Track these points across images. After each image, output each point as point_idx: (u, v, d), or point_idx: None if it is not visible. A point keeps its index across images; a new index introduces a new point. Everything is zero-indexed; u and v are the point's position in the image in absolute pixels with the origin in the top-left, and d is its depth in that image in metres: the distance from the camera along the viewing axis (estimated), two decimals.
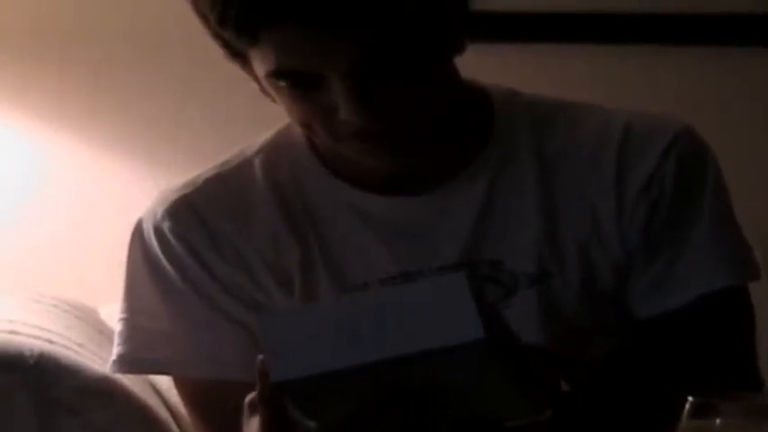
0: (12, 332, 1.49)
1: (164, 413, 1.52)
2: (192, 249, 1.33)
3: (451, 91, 1.29)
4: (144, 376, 1.52)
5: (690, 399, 1.02)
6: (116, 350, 1.36)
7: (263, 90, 1.28)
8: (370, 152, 1.26)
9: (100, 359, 1.48)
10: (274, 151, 1.37)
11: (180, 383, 1.39)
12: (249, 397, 1.14)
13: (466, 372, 1.05)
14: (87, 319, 1.68)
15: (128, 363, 1.36)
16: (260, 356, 1.09)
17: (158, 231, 1.34)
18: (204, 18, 1.22)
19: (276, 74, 1.22)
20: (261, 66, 1.23)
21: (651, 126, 1.34)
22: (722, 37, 2.18)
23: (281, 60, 1.20)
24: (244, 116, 2.06)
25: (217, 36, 1.24)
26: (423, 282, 1.24)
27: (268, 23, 1.18)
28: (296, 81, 1.22)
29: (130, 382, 1.49)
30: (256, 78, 1.27)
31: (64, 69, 2.18)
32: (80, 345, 1.54)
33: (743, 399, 1.01)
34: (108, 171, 2.20)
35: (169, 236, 1.34)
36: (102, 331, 1.64)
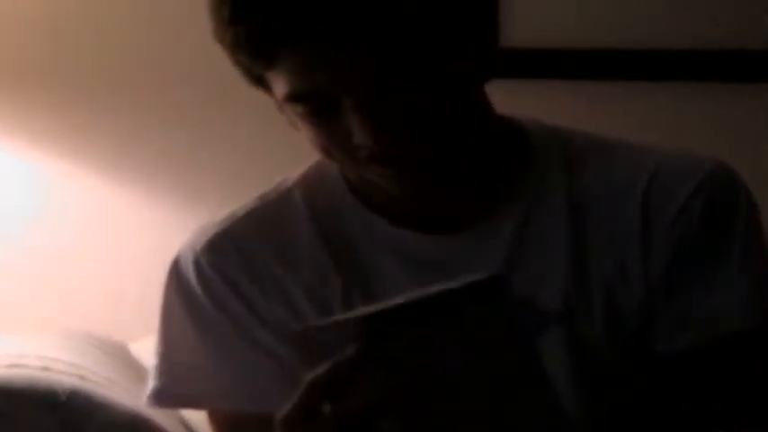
0: (44, 369, 1.50)
1: None
2: (232, 283, 1.34)
3: (477, 123, 1.28)
4: (175, 411, 1.52)
5: None
6: (152, 384, 1.36)
7: (288, 119, 1.28)
8: (393, 179, 1.26)
9: (130, 395, 1.48)
10: (311, 183, 1.37)
11: (213, 415, 1.39)
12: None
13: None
14: (118, 354, 1.69)
15: (164, 397, 1.36)
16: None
17: (197, 265, 1.34)
18: (222, 43, 1.23)
19: (292, 97, 1.22)
20: (279, 90, 1.23)
21: (681, 166, 1.33)
22: (742, 73, 2.19)
23: (295, 83, 1.20)
24: (245, 141, 2.08)
25: (237, 62, 1.24)
26: None
27: (280, 44, 1.18)
28: (312, 105, 1.22)
29: (161, 417, 1.50)
30: (281, 108, 1.27)
31: (69, 98, 2.20)
32: (111, 381, 1.54)
33: None
34: (118, 202, 2.21)
35: (208, 270, 1.34)
36: (132, 366, 1.65)
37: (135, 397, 1.42)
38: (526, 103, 2.12)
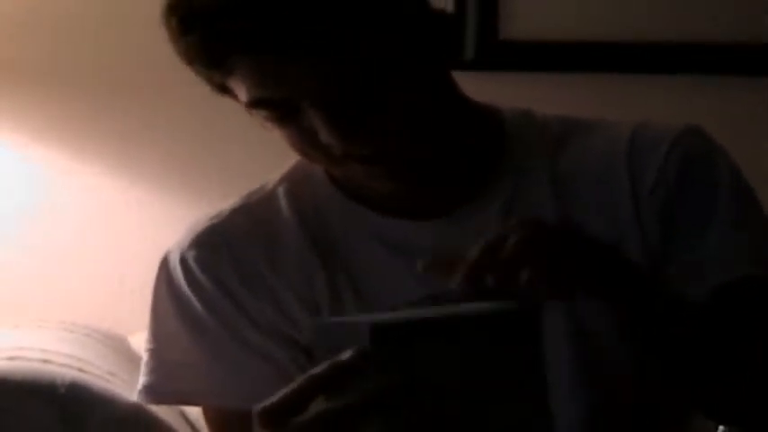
0: (44, 361, 1.50)
1: None
2: (219, 281, 1.34)
3: (442, 113, 1.28)
4: (175, 406, 1.52)
5: (721, 428, 1.01)
6: (142, 380, 1.36)
7: (259, 122, 1.27)
8: (372, 175, 1.26)
9: (131, 388, 1.48)
10: (296, 181, 1.37)
11: (206, 411, 1.39)
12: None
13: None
14: (118, 347, 1.69)
15: (153, 393, 1.36)
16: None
17: (184, 262, 1.34)
18: (179, 55, 1.22)
19: (253, 104, 1.22)
20: (240, 97, 1.23)
21: (656, 129, 1.34)
22: (738, 66, 2.19)
23: (252, 90, 1.20)
24: (247, 137, 2.07)
25: (197, 73, 1.23)
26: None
27: (231, 53, 1.18)
28: (273, 110, 1.22)
29: (161, 411, 1.50)
30: (249, 110, 1.26)
31: (72, 95, 2.20)
32: (111, 373, 1.54)
33: None
34: (116, 195, 2.21)
35: (195, 266, 1.34)
36: (133, 360, 1.64)
37: (135, 390, 1.42)
38: (525, 96, 2.13)
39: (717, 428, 1.41)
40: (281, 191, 1.36)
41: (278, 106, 1.21)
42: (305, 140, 1.24)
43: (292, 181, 1.37)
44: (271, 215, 1.36)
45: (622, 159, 1.32)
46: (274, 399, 1.06)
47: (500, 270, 1.11)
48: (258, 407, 1.06)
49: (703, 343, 1.21)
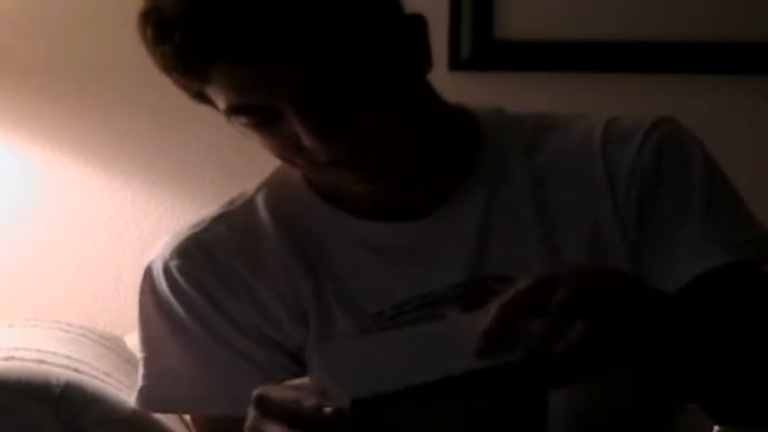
0: (39, 361, 1.50)
1: None
2: (201, 288, 1.34)
3: (421, 116, 1.28)
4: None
5: (716, 428, 1.01)
6: (138, 387, 1.37)
7: (238, 129, 1.27)
8: (352, 180, 1.26)
9: (127, 388, 1.48)
10: (274, 187, 1.37)
11: (194, 419, 1.39)
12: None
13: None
14: (114, 347, 1.69)
15: (148, 401, 1.37)
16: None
17: (167, 271, 1.35)
18: (156, 64, 1.21)
19: (231, 110, 1.21)
20: (219, 104, 1.22)
21: (629, 122, 1.35)
22: (730, 65, 2.19)
23: (231, 97, 1.20)
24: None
25: (174, 81, 1.23)
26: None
27: (207, 61, 1.17)
28: (253, 116, 1.21)
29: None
30: (228, 118, 1.26)
31: (66, 91, 2.19)
32: (107, 374, 1.54)
33: None
34: (106, 192, 2.21)
35: (177, 275, 1.34)
36: (128, 360, 1.64)
37: (131, 390, 1.42)
38: (521, 96, 2.14)
39: (712, 429, 1.41)
40: (260, 198, 1.37)
41: (257, 112, 1.21)
42: (286, 146, 1.24)
43: (271, 187, 1.37)
44: (251, 222, 1.36)
45: (597, 153, 1.33)
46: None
47: (549, 315, 1.01)
48: (257, 392, 1.07)
49: (695, 337, 1.21)
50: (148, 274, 1.36)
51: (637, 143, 1.32)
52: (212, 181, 2.18)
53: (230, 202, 1.39)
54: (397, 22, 1.25)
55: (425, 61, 1.28)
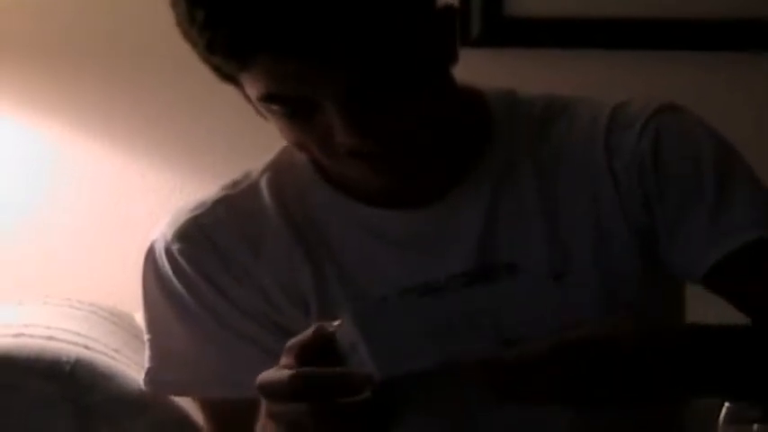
0: (49, 338, 1.50)
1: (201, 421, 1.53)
2: (203, 272, 1.33)
3: (449, 102, 1.29)
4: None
5: (726, 405, 1.01)
6: (145, 369, 1.37)
7: (257, 111, 1.27)
8: (370, 171, 1.26)
9: (136, 365, 1.48)
10: (279, 171, 1.36)
11: (201, 403, 1.39)
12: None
13: None
14: (123, 324, 1.69)
15: (155, 383, 1.37)
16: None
17: (169, 253, 1.34)
18: (193, 44, 1.21)
19: (267, 98, 1.21)
20: (252, 90, 1.22)
21: (633, 108, 1.34)
22: (743, 42, 2.18)
23: (271, 86, 1.20)
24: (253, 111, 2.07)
25: (206, 61, 1.23)
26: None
27: (255, 51, 1.18)
28: (288, 106, 1.21)
29: None
30: (250, 100, 1.26)
31: (77, 69, 2.19)
32: (116, 351, 1.54)
33: None
34: (124, 173, 2.21)
35: (179, 258, 1.34)
36: (137, 336, 1.64)
37: (141, 367, 1.42)
38: (531, 73, 2.13)
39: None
40: (263, 181, 1.36)
41: (293, 103, 1.21)
42: (313, 137, 1.23)
43: (276, 171, 1.36)
44: (254, 206, 1.35)
45: (600, 140, 1.32)
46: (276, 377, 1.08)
47: None
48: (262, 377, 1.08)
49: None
50: (151, 254, 1.36)
51: (636, 132, 1.31)
52: (223, 157, 2.18)
53: (234, 184, 1.38)
54: (434, 18, 1.25)
55: (454, 53, 1.28)
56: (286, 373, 1.10)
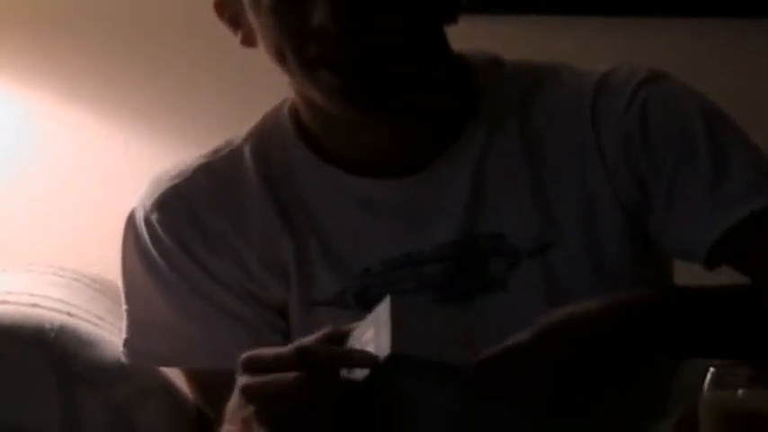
0: (33, 305, 1.49)
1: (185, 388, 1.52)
2: (182, 242, 1.32)
3: (437, 56, 1.28)
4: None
5: (711, 369, 1.01)
6: (123, 341, 1.36)
7: (244, 40, 1.27)
8: (343, 91, 1.23)
9: (120, 332, 1.47)
10: (263, 139, 1.35)
11: (184, 373, 1.39)
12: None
13: None
14: (107, 292, 1.68)
15: (131, 354, 1.36)
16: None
17: (148, 222, 1.33)
18: None
19: None
20: None
21: (622, 74, 1.32)
22: (726, 9, 2.16)
23: None
24: (238, 79, 2.07)
25: None
26: None
27: None
28: None
29: None
30: (238, 24, 1.25)
31: (59, 35, 2.18)
32: (100, 318, 1.54)
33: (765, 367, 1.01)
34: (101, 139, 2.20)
35: (158, 228, 1.33)
36: (121, 304, 1.63)
37: (123, 334, 1.41)
38: (523, 41, 2.12)
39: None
40: (246, 150, 1.35)
41: None
42: (294, 36, 1.22)
43: (259, 139, 1.35)
44: (235, 175, 1.34)
45: (586, 110, 1.31)
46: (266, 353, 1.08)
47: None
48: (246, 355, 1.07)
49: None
50: (130, 223, 1.35)
51: (625, 100, 1.30)
52: (207, 124, 2.16)
53: (215, 151, 1.37)
54: None
55: (455, 11, 1.28)
56: (289, 346, 1.10)
